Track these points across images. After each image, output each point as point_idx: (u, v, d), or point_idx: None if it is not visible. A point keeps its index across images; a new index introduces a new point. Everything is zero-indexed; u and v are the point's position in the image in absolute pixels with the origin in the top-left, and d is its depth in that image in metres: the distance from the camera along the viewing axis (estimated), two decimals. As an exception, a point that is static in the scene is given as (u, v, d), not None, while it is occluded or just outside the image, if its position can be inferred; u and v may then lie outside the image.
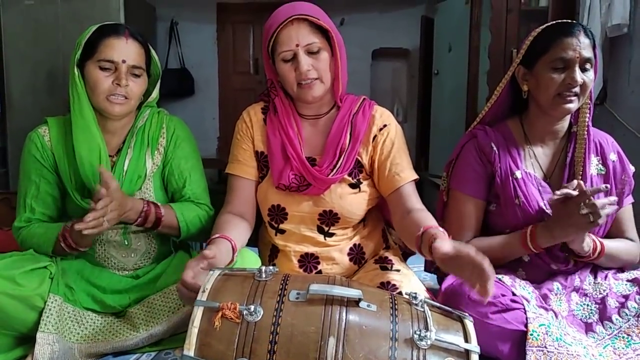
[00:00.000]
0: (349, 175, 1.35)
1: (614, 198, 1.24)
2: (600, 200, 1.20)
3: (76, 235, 1.25)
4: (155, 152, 1.41)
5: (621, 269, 1.40)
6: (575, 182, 1.22)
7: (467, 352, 0.89)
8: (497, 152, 1.37)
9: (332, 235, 1.38)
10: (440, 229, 1.12)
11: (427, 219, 1.20)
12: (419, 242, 1.13)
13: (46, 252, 1.31)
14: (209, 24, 5.05)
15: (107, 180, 1.18)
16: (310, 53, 1.26)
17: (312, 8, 1.28)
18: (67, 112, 1.39)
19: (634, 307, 1.26)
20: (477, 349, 0.90)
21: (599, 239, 1.33)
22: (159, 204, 1.36)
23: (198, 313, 0.89)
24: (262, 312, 0.89)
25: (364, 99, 1.42)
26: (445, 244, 1.00)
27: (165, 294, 1.32)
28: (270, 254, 1.44)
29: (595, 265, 1.39)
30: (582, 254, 1.31)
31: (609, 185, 1.30)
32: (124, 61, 1.29)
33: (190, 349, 0.86)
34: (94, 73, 1.29)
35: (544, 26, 1.35)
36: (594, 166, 1.38)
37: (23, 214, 1.35)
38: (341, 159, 1.32)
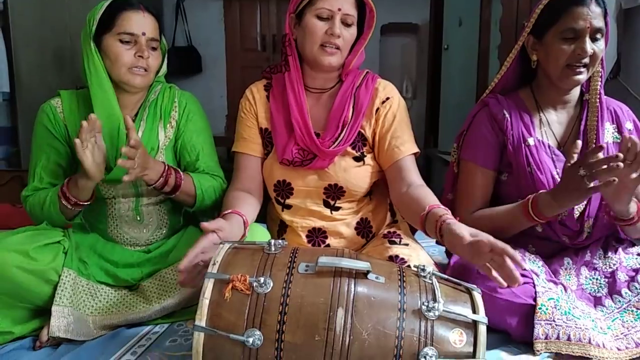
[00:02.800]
0: (353, 148, 1.36)
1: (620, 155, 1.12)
2: (600, 160, 1.11)
3: (74, 189, 1.25)
4: (168, 125, 1.42)
5: (632, 244, 1.39)
6: (579, 143, 1.18)
7: (475, 323, 0.90)
8: (509, 119, 1.35)
9: (338, 209, 1.38)
10: (444, 207, 1.13)
11: (429, 196, 1.20)
12: (423, 221, 1.14)
13: (55, 216, 1.30)
14: (215, 1, 4.99)
15: (132, 129, 1.19)
16: (344, 23, 1.29)
17: None
18: (77, 88, 1.39)
19: (644, 281, 1.25)
20: (485, 320, 0.90)
21: None
22: (178, 169, 1.36)
23: (209, 285, 0.90)
24: (271, 284, 0.90)
25: (367, 72, 1.42)
26: (463, 230, 1.00)
27: (176, 267, 1.32)
28: (279, 230, 1.45)
29: (607, 239, 1.38)
30: (625, 217, 1.25)
31: (605, 144, 1.24)
32: (143, 34, 1.30)
33: (201, 319, 0.88)
34: (114, 47, 1.30)
35: None
36: (609, 134, 1.36)
37: (31, 183, 1.35)
38: (344, 131, 1.33)
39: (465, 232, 1.00)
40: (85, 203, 1.29)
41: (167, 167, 1.31)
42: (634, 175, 1.13)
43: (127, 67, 1.30)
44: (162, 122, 1.41)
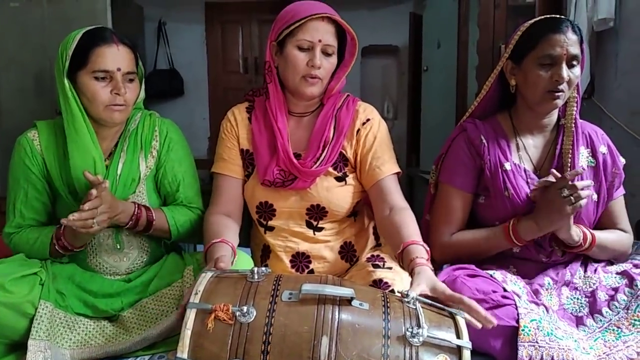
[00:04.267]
0: (335, 168, 1.37)
1: (589, 182, 1.26)
2: (580, 182, 1.22)
3: (70, 236, 1.25)
4: (149, 155, 1.40)
5: (611, 262, 1.42)
6: (553, 171, 1.24)
7: (459, 348, 0.90)
8: (486, 144, 1.38)
9: (321, 229, 1.38)
10: (421, 243, 1.14)
11: (408, 226, 1.21)
12: (399, 258, 1.16)
13: (41, 256, 1.30)
14: (197, 24, 5.02)
15: (96, 182, 1.19)
16: (324, 53, 1.30)
17: (338, 15, 1.32)
18: (56, 114, 1.38)
19: (624, 300, 1.27)
20: (469, 345, 0.90)
21: (589, 230, 1.34)
22: (150, 207, 1.35)
23: (191, 315, 0.89)
24: (255, 313, 0.89)
25: (348, 95, 1.44)
26: (422, 282, 1.01)
27: (158, 297, 1.31)
28: (262, 255, 1.44)
29: (586, 258, 1.40)
30: (572, 244, 1.32)
31: (582, 169, 1.32)
32: (119, 69, 1.27)
33: (183, 351, 0.86)
34: (90, 85, 1.27)
35: (532, 21, 1.36)
36: (584, 158, 1.40)
37: (13, 220, 1.34)
38: (325, 151, 1.34)
39: (424, 285, 1.01)
40: (79, 249, 1.29)
41: (137, 207, 1.31)
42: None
43: (105, 105, 1.28)
44: (142, 153, 1.39)
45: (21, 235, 1.33)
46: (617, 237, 1.40)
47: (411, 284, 1.03)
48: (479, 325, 0.96)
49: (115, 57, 1.27)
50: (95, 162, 1.31)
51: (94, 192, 1.18)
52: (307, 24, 1.28)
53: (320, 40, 1.28)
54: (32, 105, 3.56)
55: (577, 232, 1.30)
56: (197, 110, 5.06)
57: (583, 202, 1.21)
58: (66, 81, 1.27)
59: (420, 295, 0.99)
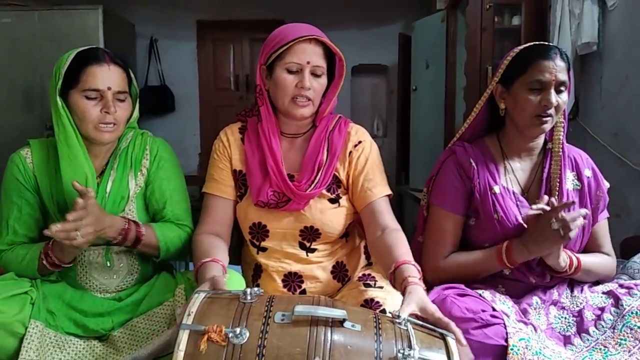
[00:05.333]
0: (328, 190, 1.37)
1: (584, 211, 1.28)
2: (570, 214, 1.24)
3: (58, 251, 1.24)
4: (139, 173, 1.41)
5: (597, 282, 1.44)
6: (545, 197, 1.26)
7: (450, 369, 0.91)
8: (475, 167, 1.41)
9: (314, 251, 1.39)
10: (412, 263, 1.15)
11: (400, 246, 1.22)
12: (391, 278, 1.17)
13: (31, 273, 1.29)
14: (188, 41, 5.07)
15: (84, 192, 1.18)
16: (313, 75, 1.31)
17: (325, 36, 1.33)
18: (45, 130, 1.38)
19: (610, 319, 1.29)
20: (460, 366, 0.91)
21: (575, 254, 1.37)
22: (139, 222, 1.35)
23: (184, 337, 0.89)
24: (247, 335, 0.89)
25: (340, 117, 1.45)
26: (412, 303, 1.02)
27: (149, 316, 1.30)
28: (254, 274, 1.44)
29: (572, 279, 1.42)
30: (558, 270, 1.34)
31: (575, 201, 1.36)
32: (109, 88, 1.29)
33: (176, 373, 0.86)
34: (80, 103, 1.28)
35: (522, 47, 1.40)
36: (570, 181, 1.43)
37: (6, 237, 1.34)
38: (319, 174, 1.35)
39: (414, 305, 1.02)
40: (67, 265, 1.28)
41: (126, 222, 1.30)
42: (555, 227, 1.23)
43: (94, 124, 1.29)
44: (132, 171, 1.40)
45: (12, 251, 1.32)
46: (602, 261, 1.42)
47: (402, 302, 1.04)
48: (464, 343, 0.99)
49: (105, 77, 1.28)
50: (87, 179, 1.31)
51: (80, 200, 1.17)
52: (295, 47, 1.28)
53: (308, 62, 1.29)
54: (21, 121, 3.55)
55: (563, 259, 1.32)
56: (188, 126, 5.07)
57: (572, 233, 1.23)
58: (59, 99, 1.29)
59: (411, 315, 1.00)
